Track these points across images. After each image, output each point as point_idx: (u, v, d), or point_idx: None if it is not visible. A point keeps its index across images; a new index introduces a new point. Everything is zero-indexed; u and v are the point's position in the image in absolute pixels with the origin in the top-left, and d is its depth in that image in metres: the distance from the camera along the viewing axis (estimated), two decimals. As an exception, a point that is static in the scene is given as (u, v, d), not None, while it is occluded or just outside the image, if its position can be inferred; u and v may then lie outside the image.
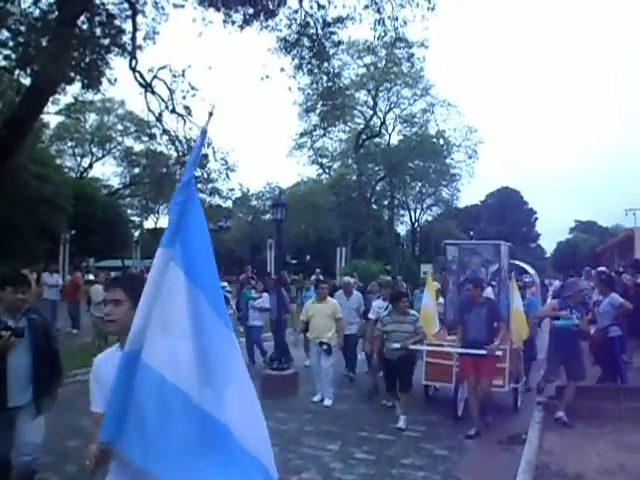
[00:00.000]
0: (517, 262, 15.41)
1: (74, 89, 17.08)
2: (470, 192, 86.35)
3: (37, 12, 14.22)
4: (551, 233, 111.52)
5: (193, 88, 17.15)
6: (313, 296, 10.66)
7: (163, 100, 17.03)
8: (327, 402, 8.95)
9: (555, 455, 6.50)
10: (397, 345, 7.54)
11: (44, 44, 13.41)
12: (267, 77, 16.81)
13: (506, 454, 6.70)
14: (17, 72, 14.52)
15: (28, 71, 13.99)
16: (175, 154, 18.48)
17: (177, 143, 17.67)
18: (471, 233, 73.98)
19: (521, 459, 6.33)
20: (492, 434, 7.26)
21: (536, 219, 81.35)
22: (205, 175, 19.54)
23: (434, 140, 42.06)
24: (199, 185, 21.32)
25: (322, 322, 9.07)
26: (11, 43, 14.05)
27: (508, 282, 9.47)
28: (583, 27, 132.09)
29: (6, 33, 14.02)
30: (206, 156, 18.07)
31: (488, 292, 9.59)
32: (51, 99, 15.85)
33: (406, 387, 7.74)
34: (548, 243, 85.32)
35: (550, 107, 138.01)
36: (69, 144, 41.42)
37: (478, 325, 7.68)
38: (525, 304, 9.71)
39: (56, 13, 13.86)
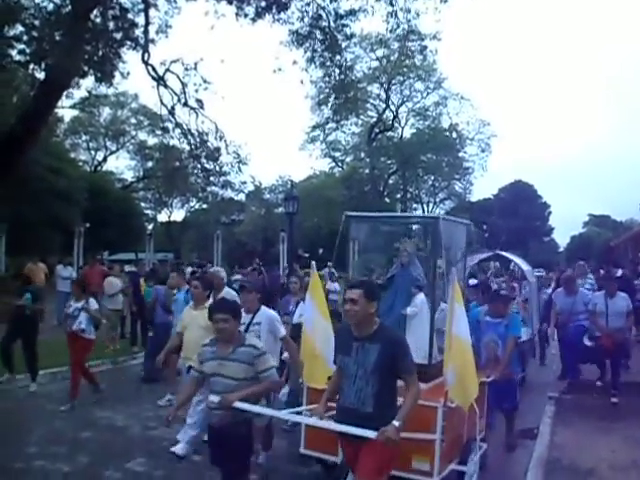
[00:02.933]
0: (506, 254, 14.48)
1: (87, 83, 17.15)
2: (483, 186, 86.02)
3: (51, 6, 14.28)
4: (565, 227, 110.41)
5: (205, 81, 17.18)
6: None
7: (175, 93, 17.07)
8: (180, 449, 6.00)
9: (567, 450, 6.47)
10: (215, 399, 4.06)
11: (58, 38, 13.46)
12: (279, 70, 16.78)
13: (518, 448, 6.68)
14: (31, 66, 14.59)
15: (42, 65, 14.06)
16: (187, 147, 18.55)
17: (189, 136, 17.71)
18: (484, 227, 73.64)
19: (533, 453, 6.32)
20: (504, 429, 7.24)
21: (549, 213, 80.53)
22: (217, 168, 19.56)
23: (447, 133, 41.92)
24: (211, 178, 21.43)
25: (195, 336, 5.97)
26: (25, 37, 14.12)
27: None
28: (597, 14, 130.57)
29: (20, 27, 14.11)
30: (218, 149, 18.11)
31: (418, 303, 6.84)
32: (65, 93, 15.92)
33: None
34: (562, 237, 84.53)
35: (564, 100, 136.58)
36: (83, 138, 41.65)
37: (363, 380, 3.84)
38: (498, 326, 6.47)
39: (69, 7, 13.92)
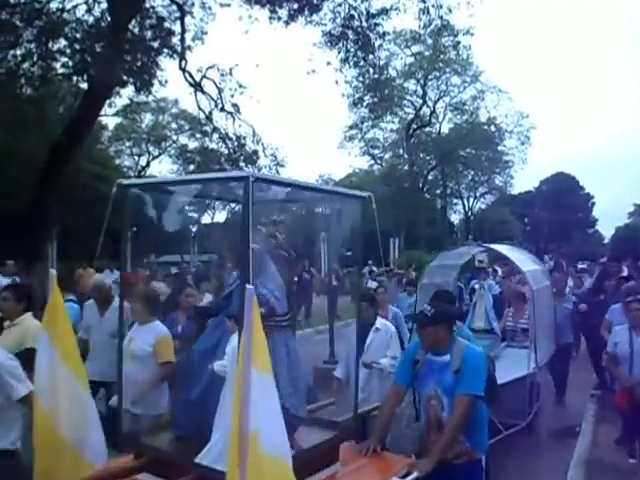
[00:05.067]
0: (496, 247, 8.85)
1: (128, 91, 17.66)
2: (524, 178, 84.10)
3: (91, 19, 14.78)
4: (610, 218, 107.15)
5: (241, 86, 17.52)
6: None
7: (212, 99, 17.45)
8: None
9: (609, 449, 6.36)
10: None
11: (98, 50, 13.92)
12: (313, 71, 16.99)
13: (559, 447, 6.62)
14: (75, 78, 15.11)
15: (85, 77, 14.55)
16: (226, 151, 18.89)
17: (227, 140, 18.06)
18: (525, 220, 72.24)
19: (574, 452, 6.27)
20: (545, 426, 7.16)
21: (593, 204, 78.41)
22: (256, 171, 19.82)
23: (485, 127, 41.31)
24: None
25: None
26: (68, 51, 14.65)
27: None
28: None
29: (63, 41, 14.64)
30: (256, 152, 18.42)
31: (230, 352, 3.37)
32: (107, 102, 16.43)
33: None
34: (607, 228, 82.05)
35: (604, 89, 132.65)
36: (127, 144, 42.51)
37: None
38: (443, 371, 3.67)
39: (109, 19, 14.37)
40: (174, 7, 15.64)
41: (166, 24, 15.46)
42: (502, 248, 8.52)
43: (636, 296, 6.11)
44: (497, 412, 5.03)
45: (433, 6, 15.28)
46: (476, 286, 10.19)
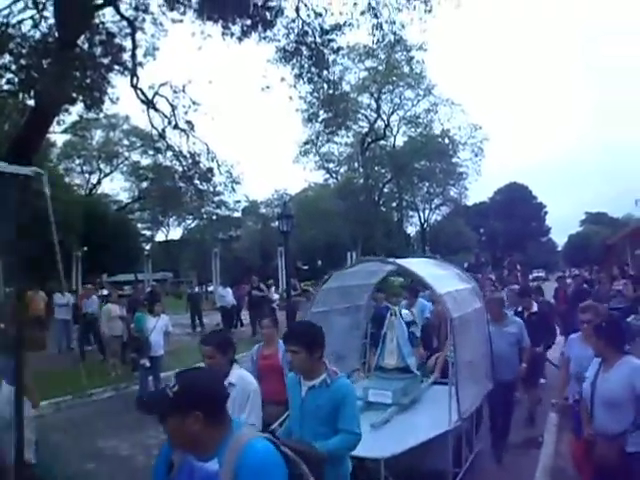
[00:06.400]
0: (398, 261, 6.53)
1: (78, 108, 17.21)
2: (478, 190, 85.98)
3: (38, 34, 14.34)
4: (562, 226, 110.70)
5: (195, 103, 17.27)
6: None
7: (165, 116, 17.13)
8: None
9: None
10: None
11: (46, 66, 13.50)
12: (267, 88, 16.87)
13: (523, 458, 6.63)
14: (21, 95, 14.62)
15: (32, 93, 14.09)
16: (180, 169, 18.58)
17: (181, 158, 17.76)
18: (481, 230, 73.72)
19: (538, 463, 6.28)
20: (508, 438, 7.17)
21: (546, 213, 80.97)
22: (211, 189, 19.60)
23: (439, 140, 42.01)
24: (205, 199, 21.44)
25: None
26: (13, 67, 14.16)
27: None
28: (579, 15, 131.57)
29: (8, 57, 14.15)
30: (211, 170, 18.15)
31: None
32: (56, 119, 15.95)
33: None
34: (559, 237, 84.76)
35: (554, 99, 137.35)
36: (77, 162, 41.67)
37: None
38: None
39: (56, 35, 13.97)
40: (124, 23, 15.32)
41: (116, 40, 15.13)
42: (413, 263, 6.56)
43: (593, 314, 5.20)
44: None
45: (386, 22, 15.36)
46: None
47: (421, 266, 6.37)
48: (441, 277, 6.15)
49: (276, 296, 20.41)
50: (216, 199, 30.49)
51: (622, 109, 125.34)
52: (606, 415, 4.22)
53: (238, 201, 41.96)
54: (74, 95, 14.13)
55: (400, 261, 6.37)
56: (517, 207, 73.51)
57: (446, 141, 42.24)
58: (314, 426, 3.54)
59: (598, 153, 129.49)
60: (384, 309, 8.38)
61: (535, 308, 8.83)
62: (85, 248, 27.99)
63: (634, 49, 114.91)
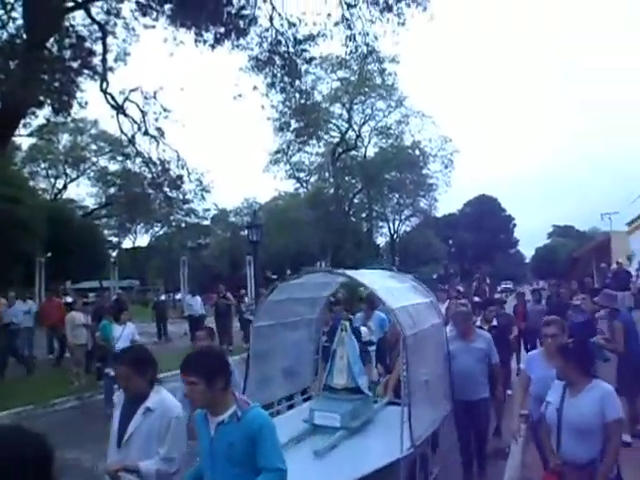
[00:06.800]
0: (348, 272, 5.86)
1: (45, 111, 16.94)
2: (448, 201, 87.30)
3: (5, 35, 14.09)
4: (530, 239, 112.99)
5: (165, 110, 17.20)
6: None
7: (136, 122, 16.99)
8: None
9: (538, 470, 6.44)
10: None
11: (12, 68, 13.26)
12: (240, 96, 16.86)
13: (490, 469, 6.64)
14: (-14, 97, 14.31)
15: (-2, 95, 13.81)
16: (149, 175, 18.40)
17: (151, 165, 17.60)
18: (450, 242, 74.48)
19: (504, 474, 6.30)
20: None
21: (514, 225, 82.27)
22: (180, 196, 19.45)
23: (410, 151, 42.38)
24: (174, 206, 21.23)
25: None
26: (-21, 67, 13.87)
27: None
28: (554, 28, 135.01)
29: (-27, 57, 13.86)
30: (181, 177, 18.02)
31: None
32: (22, 122, 15.66)
33: None
34: (527, 249, 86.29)
35: (526, 113, 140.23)
36: (42, 166, 40.81)
37: None
38: None
39: (24, 36, 13.74)
40: (95, 27, 15.18)
41: (87, 44, 15.02)
42: (366, 275, 6.03)
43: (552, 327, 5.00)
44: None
45: (360, 33, 15.55)
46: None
47: (374, 278, 5.86)
48: (396, 290, 5.65)
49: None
50: (185, 207, 30.21)
51: (593, 124, 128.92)
52: (575, 443, 3.98)
53: (207, 209, 41.77)
54: (42, 98, 13.92)
55: (351, 273, 5.79)
56: (486, 219, 74.47)
57: (417, 153, 42.63)
58: (227, 468, 3.06)
59: (567, 167, 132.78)
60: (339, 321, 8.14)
61: (495, 322, 8.81)
62: (49, 254, 27.41)
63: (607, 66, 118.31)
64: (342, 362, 5.79)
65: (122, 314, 10.49)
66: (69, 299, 20.85)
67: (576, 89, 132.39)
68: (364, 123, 42.63)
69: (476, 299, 12.27)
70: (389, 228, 52.93)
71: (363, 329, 7.21)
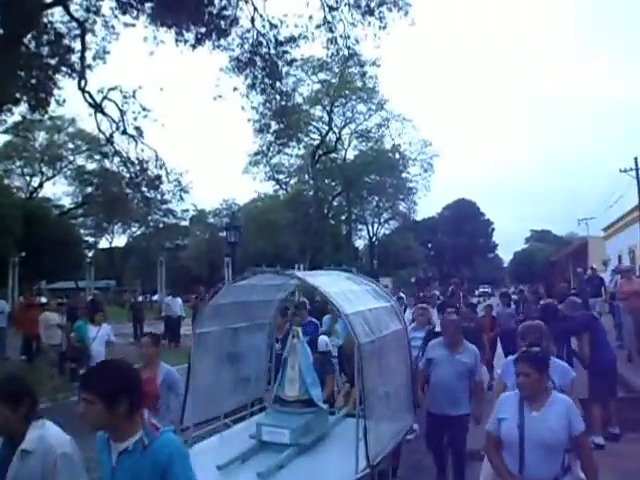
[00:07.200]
0: (297, 274, 5.64)
1: (21, 108, 16.69)
2: (427, 205, 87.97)
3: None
4: (508, 243, 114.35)
5: (144, 109, 17.06)
6: None
7: (114, 121, 16.81)
8: None
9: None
10: None
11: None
12: (220, 97, 16.80)
13: (465, 471, 6.66)
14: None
15: (-28, 91, 13.57)
16: (128, 175, 18.22)
17: (129, 165, 17.42)
18: (429, 245, 74.97)
19: (480, 476, 6.32)
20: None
21: (493, 230, 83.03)
22: (159, 197, 19.29)
23: (390, 154, 42.56)
24: (152, 206, 21.02)
25: None
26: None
27: None
28: (531, 33, 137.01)
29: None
30: (159, 177, 17.88)
31: None
32: (-3, 119, 15.44)
33: None
34: (505, 253, 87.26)
35: (504, 118, 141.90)
36: (17, 163, 40.20)
37: None
38: None
39: (1, 32, 13.51)
40: (74, 24, 14.97)
41: (65, 41, 14.80)
42: (319, 276, 5.52)
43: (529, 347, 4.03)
44: None
45: (341, 36, 15.58)
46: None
47: (328, 280, 5.28)
48: (352, 293, 5.08)
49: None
50: (163, 207, 29.98)
51: (571, 129, 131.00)
52: (542, 460, 3.69)
53: (186, 210, 41.62)
54: (17, 95, 13.70)
55: (301, 274, 5.35)
56: (465, 223, 75.04)
57: (396, 156, 42.81)
58: None
59: (545, 172, 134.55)
60: (308, 325, 7.80)
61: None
62: (23, 253, 27.04)
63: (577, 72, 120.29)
64: (293, 372, 5.26)
65: (97, 315, 10.37)
66: (44, 299, 20.60)
67: (552, 92, 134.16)
68: (344, 126, 42.76)
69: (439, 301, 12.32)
70: (368, 231, 53.21)
71: (323, 338, 6.69)
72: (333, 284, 5.05)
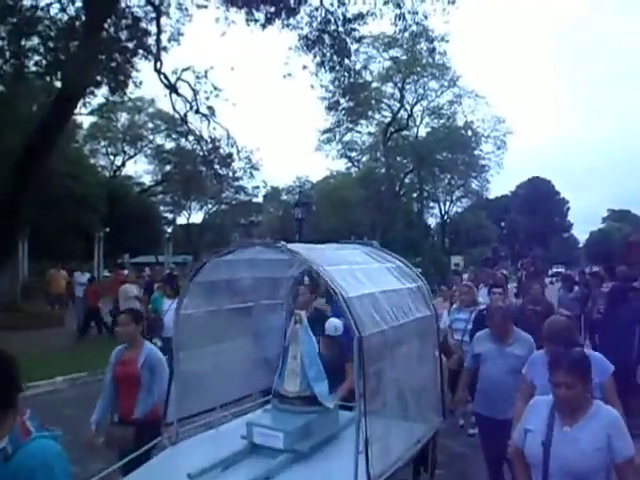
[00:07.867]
0: (295, 246, 4.37)
1: (103, 90, 17.53)
2: (500, 183, 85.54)
3: (65, 17, 14.63)
4: (584, 222, 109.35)
5: (216, 89, 17.53)
6: None
7: (188, 101, 17.39)
8: None
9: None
10: None
11: (72, 49, 13.79)
12: (289, 75, 17.02)
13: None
14: (48, 77, 14.95)
15: (58, 75, 14.40)
16: (201, 153, 18.85)
17: (202, 143, 18.01)
18: (502, 224, 73.19)
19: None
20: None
21: (568, 209, 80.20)
22: (230, 174, 19.84)
23: (462, 131, 41.62)
24: (224, 183, 21.59)
25: None
26: (41, 49, 14.49)
27: None
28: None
29: (36, 39, 14.48)
30: (231, 155, 18.39)
31: None
32: (82, 101, 16.27)
33: None
34: (581, 233, 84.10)
35: (578, 94, 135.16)
36: (102, 143, 42.15)
37: None
38: None
39: (83, 18, 14.24)
40: (150, 8, 15.55)
41: (142, 24, 15.38)
42: (317, 251, 4.35)
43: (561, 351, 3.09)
44: None
45: (409, 12, 15.38)
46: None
47: (335, 256, 4.33)
48: (363, 272, 4.15)
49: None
50: (235, 184, 30.59)
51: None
52: None
53: (257, 187, 42.31)
54: (99, 78, 14.42)
55: (294, 246, 4.22)
56: (539, 202, 72.85)
57: (469, 133, 41.84)
58: None
59: (624, 150, 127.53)
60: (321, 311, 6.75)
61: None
62: (107, 229, 28.51)
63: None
64: (295, 363, 4.38)
65: (173, 288, 10.90)
66: (126, 272, 21.74)
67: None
68: (416, 103, 42.01)
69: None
70: (440, 209, 52.48)
71: (332, 320, 5.44)
72: (341, 261, 4.17)
